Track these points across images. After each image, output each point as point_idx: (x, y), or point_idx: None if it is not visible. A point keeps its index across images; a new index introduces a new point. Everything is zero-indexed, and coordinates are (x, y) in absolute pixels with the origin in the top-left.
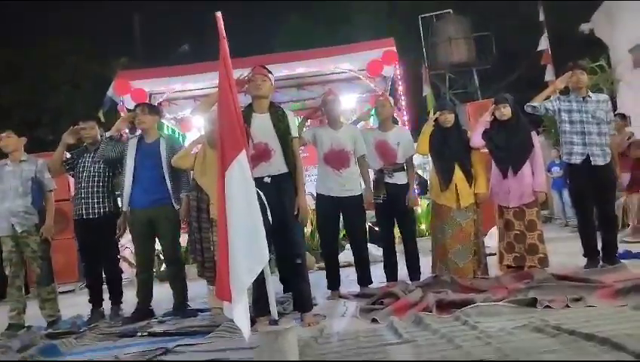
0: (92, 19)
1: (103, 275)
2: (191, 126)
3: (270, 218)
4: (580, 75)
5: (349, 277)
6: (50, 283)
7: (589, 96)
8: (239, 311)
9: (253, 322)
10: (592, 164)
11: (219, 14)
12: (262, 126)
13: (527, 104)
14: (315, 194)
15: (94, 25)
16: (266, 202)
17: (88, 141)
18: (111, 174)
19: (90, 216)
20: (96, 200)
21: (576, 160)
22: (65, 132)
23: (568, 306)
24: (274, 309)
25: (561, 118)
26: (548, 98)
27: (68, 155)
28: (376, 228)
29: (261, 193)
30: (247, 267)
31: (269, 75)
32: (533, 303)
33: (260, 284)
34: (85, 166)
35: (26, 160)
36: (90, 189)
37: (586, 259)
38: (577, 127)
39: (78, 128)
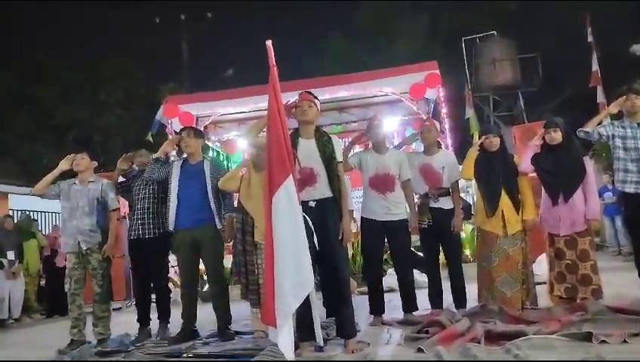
0: (143, 46)
1: (152, 295)
2: (235, 148)
3: (316, 242)
4: (634, 99)
5: (391, 303)
6: (108, 300)
7: None
8: (284, 336)
9: (296, 347)
10: None
11: (269, 43)
12: (308, 151)
13: (580, 129)
14: (360, 218)
15: (145, 51)
16: (312, 226)
17: (140, 168)
18: (163, 196)
19: (146, 236)
20: (149, 221)
21: (631, 188)
22: (116, 156)
23: (626, 341)
24: (319, 335)
25: (614, 144)
26: (600, 123)
27: (121, 179)
28: (420, 254)
29: (307, 217)
30: (293, 292)
31: (316, 100)
32: (588, 337)
33: (304, 309)
34: (140, 189)
35: (94, 181)
36: (144, 211)
37: None
38: (632, 154)
39: (130, 156)
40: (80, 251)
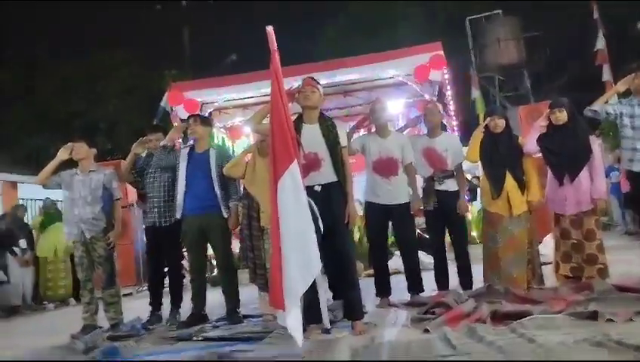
0: (144, 32)
1: (166, 280)
2: (240, 134)
3: (321, 226)
4: None
5: (398, 285)
6: (115, 284)
7: None
8: (292, 319)
9: (304, 329)
10: None
11: (270, 29)
12: (312, 136)
13: (588, 108)
14: (363, 201)
15: (146, 38)
16: (317, 211)
17: (154, 152)
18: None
19: (162, 224)
20: (165, 209)
21: (639, 167)
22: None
23: (632, 320)
24: (326, 318)
25: (622, 122)
26: (607, 101)
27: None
28: (426, 235)
29: (312, 202)
30: (300, 276)
31: (318, 85)
32: (594, 316)
33: (311, 292)
34: (155, 177)
35: (95, 170)
36: (160, 198)
37: None
38: None
39: (146, 139)
40: (85, 240)
